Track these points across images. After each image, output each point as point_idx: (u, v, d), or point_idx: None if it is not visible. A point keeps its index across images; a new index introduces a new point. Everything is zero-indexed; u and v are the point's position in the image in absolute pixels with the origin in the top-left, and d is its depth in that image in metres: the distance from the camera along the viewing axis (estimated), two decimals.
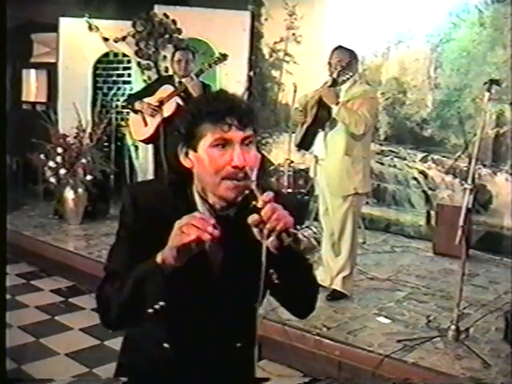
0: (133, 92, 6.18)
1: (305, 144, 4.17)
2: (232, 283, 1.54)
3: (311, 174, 4.49)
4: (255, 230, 1.40)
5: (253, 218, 1.37)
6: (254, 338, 1.60)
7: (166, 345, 1.61)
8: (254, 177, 1.46)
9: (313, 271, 1.65)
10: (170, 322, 1.55)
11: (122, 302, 1.49)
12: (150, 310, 1.42)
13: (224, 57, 4.95)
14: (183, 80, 4.84)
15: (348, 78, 3.96)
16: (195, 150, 1.50)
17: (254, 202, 1.39)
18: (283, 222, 1.35)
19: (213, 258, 1.55)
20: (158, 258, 1.42)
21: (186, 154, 1.53)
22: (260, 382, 1.93)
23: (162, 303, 1.42)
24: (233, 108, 1.47)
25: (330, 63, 4.02)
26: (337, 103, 3.88)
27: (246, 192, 1.45)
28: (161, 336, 1.61)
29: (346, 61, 3.95)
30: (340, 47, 4.07)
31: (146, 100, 4.98)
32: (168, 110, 4.88)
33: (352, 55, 4.04)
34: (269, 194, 1.38)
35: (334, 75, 3.93)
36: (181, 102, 4.87)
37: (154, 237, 1.45)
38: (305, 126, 4.11)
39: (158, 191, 1.61)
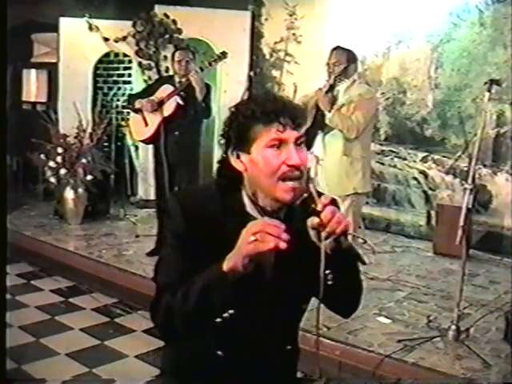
0: (133, 92, 6.18)
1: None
2: (284, 286, 1.53)
3: (311, 175, 4.49)
4: (312, 233, 1.41)
5: (313, 221, 1.39)
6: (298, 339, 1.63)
7: (219, 352, 1.59)
8: (305, 175, 1.49)
9: (360, 271, 1.63)
10: (226, 330, 1.47)
11: (188, 313, 1.45)
12: (219, 319, 1.41)
13: (224, 55, 4.94)
14: (188, 75, 4.82)
15: (344, 81, 3.98)
16: (249, 152, 1.49)
17: (313, 205, 1.40)
18: (343, 225, 1.38)
19: (265, 261, 1.50)
20: (225, 267, 1.38)
21: (238, 157, 1.51)
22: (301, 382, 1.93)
23: (231, 311, 1.41)
24: (285, 108, 1.48)
25: (328, 64, 4.03)
26: (330, 110, 3.93)
27: (305, 195, 1.44)
28: (213, 344, 1.58)
29: (343, 62, 3.97)
30: (338, 48, 4.08)
31: (148, 99, 4.98)
32: (168, 109, 4.87)
33: (350, 55, 4.04)
34: (327, 197, 1.41)
35: (331, 81, 3.95)
36: (181, 102, 4.86)
37: (207, 243, 1.46)
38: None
39: (206, 197, 1.59)
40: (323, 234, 1.39)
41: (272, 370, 1.62)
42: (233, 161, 1.52)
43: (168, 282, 1.54)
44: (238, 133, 1.50)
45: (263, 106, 1.48)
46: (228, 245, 1.42)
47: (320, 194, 1.43)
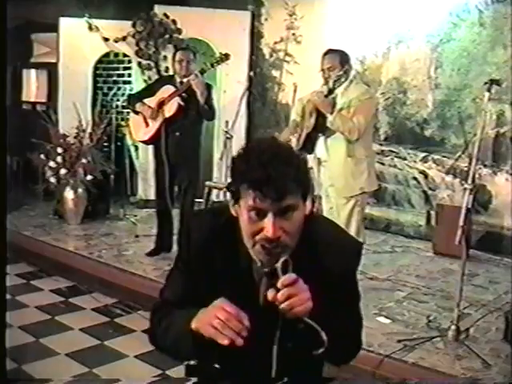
0: (133, 92, 6.17)
1: (307, 148, 4.18)
2: (278, 318, 1.46)
3: (312, 175, 4.49)
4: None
5: (270, 294, 1.36)
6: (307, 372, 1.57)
7: (216, 365, 1.57)
8: (291, 242, 1.42)
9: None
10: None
11: (164, 344, 1.56)
12: (185, 363, 1.49)
13: (226, 57, 4.92)
14: (187, 78, 4.81)
15: (342, 84, 3.99)
16: (239, 205, 1.44)
17: (273, 281, 1.37)
18: (296, 311, 1.34)
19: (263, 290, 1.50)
20: (193, 325, 1.40)
21: (234, 204, 1.48)
22: None
23: (192, 362, 1.46)
24: (271, 177, 1.34)
25: (322, 70, 4.04)
26: (332, 112, 3.93)
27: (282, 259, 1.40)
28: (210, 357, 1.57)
29: (337, 65, 3.97)
30: (329, 51, 4.08)
31: (146, 100, 4.97)
32: (169, 110, 4.86)
33: (343, 57, 4.04)
34: (290, 277, 1.35)
35: (330, 85, 3.95)
36: (182, 103, 4.86)
37: (206, 273, 1.49)
38: (304, 131, 4.13)
39: (214, 226, 1.56)
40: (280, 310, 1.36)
41: None
42: (231, 205, 1.49)
43: (166, 300, 1.62)
44: (233, 181, 1.45)
45: (251, 168, 1.37)
46: (228, 280, 1.47)
47: (285, 271, 1.37)
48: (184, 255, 1.60)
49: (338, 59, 4.01)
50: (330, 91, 3.96)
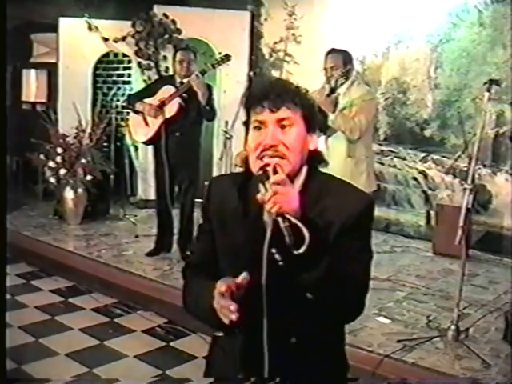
0: (133, 92, 6.17)
1: None
2: (281, 268, 1.47)
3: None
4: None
5: (260, 196, 1.44)
6: (313, 332, 1.57)
7: (220, 334, 1.66)
8: (290, 157, 1.53)
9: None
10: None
11: (196, 315, 1.68)
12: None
13: (227, 58, 4.90)
14: (188, 78, 4.80)
15: (344, 83, 3.99)
16: (247, 133, 1.60)
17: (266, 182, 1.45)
18: (278, 206, 1.39)
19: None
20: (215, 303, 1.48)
21: (246, 135, 1.62)
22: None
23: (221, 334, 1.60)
24: (267, 92, 1.55)
25: (325, 69, 4.04)
26: (333, 111, 3.93)
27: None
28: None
29: (340, 65, 3.97)
30: (332, 51, 4.08)
31: (146, 100, 4.97)
32: (170, 110, 4.86)
33: (346, 57, 4.04)
34: (278, 176, 1.44)
35: (332, 84, 3.95)
36: (182, 103, 4.86)
37: (221, 229, 1.62)
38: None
39: (231, 183, 1.67)
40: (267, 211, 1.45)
41: (276, 362, 1.58)
42: (245, 141, 1.63)
43: (192, 262, 1.76)
44: (245, 112, 1.63)
45: (253, 91, 1.63)
46: (241, 228, 1.58)
47: (275, 172, 1.47)
48: (204, 213, 1.72)
49: (341, 59, 4.01)
50: (332, 90, 3.96)
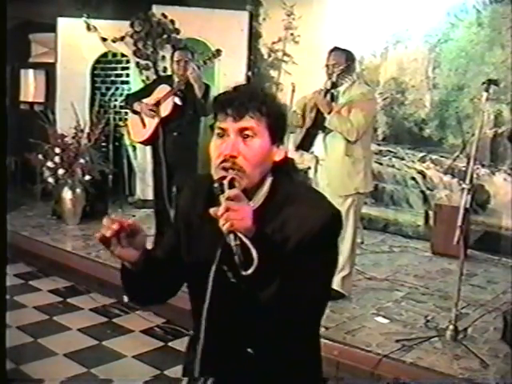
0: (131, 92, 6.17)
1: (305, 145, 4.18)
2: (234, 284, 1.45)
3: (310, 174, 4.49)
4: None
5: (213, 210, 1.38)
6: (270, 344, 1.51)
7: (191, 331, 1.66)
8: (248, 169, 1.46)
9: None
10: (192, 309, 1.64)
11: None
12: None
13: (218, 53, 4.94)
14: (187, 73, 4.80)
15: (347, 81, 3.99)
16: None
17: (220, 195, 1.39)
18: (229, 224, 1.34)
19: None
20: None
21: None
22: None
23: (125, 298, 1.57)
24: (233, 98, 1.48)
25: (327, 66, 4.04)
26: (330, 112, 3.92)
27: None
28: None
29: (342, 63, 3.97)
30: (336, 49, 4.07)
31: (144, 100, 4.97)
32: (165, 109, 4.86)
33: (349, 56, 4.04)
34: (232, 192, 1.38)
35: (328, 84, 3.95)
36: (178, 102, 4.85)
37: (185, 232, 1.62)
38: (304, 128, 4.13)
39: (202, 186, 1.60)
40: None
41: (231, 370, 1.55)
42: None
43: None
44: (213, 120, 1.55)
45: (220, 96, 1.53)
46: (202, 230, 1.55)
47: (232, 186, 1.41)
48: (176, 212, 1.72)
49: (344, 57, 4.01)
50: (333, 85, 3.96)
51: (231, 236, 1.34)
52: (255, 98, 1.49)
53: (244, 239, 1.33)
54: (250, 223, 1.36)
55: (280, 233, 1.44)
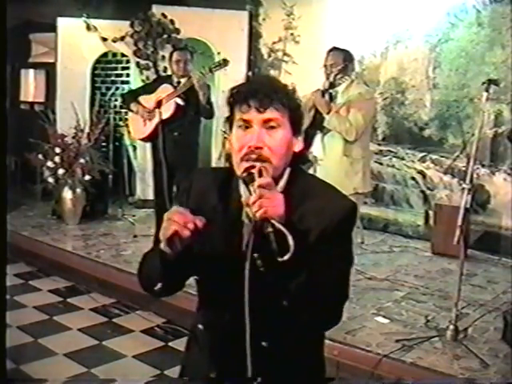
0: (128, 90, 6.16)
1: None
2: (261, 274, 1.45)
3: None
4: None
5: (245, 198, 1.41)
6: (285, 338, 1.53)
7: (200, 326, 1.63)
8: (274, 160, 1.48)
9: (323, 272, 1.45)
10: (204, 303, 1.64)
11: (142, 274, 1.64)
12: (155, 288, 1.52)
13: (225, 62, 4.89)
14: (186, 79, 4.81)
15: (344, 81, 3.99)
16: (231, 131, 1.55)
17: (250, 184, 1.41)
18: (263, 211, 1.35)
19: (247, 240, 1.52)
20: (161, 244, 1.47)
21: (229, 131, 1.56)
22: None
23: (159, 285, 1.51)
24: (256, 90, 1.49)
25: (325, 66, 4.04)
26: (328, 112, 3.92)
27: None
28: (198, 318, 1.65)
29: (340, 63, 3.97)
30: (334, 49, 4.08)
31: (144, 97, 4.97)
32: (167, 110, 4.86)
33: (347, 56, 4.04)
34: (264, 180, 1.40)
35: (326, 84, 3.95)
36: (181, 102, 4.85)
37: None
38: (303, 127, 4.12)
39: (213, 179, 1.62)
40: (250, 214, 1.40)
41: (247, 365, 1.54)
42: (227, 140, 1.62)
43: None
44: (229, 109, 1.56)
45: (241, 88, 1.53)
46: (219, 225, 1.53)
47: (261, 175, 1.42)
48: (181, 205, 1.61)
49: (342, 57, 4.01)
50: (331, 85, 3.96)
51: (264, 223, 1.36)
52: (278, 90, 1.51)
53: (279, 226, 1.35)
54: (283, 210, 1.38)
55: (301, 223, 1.46)
